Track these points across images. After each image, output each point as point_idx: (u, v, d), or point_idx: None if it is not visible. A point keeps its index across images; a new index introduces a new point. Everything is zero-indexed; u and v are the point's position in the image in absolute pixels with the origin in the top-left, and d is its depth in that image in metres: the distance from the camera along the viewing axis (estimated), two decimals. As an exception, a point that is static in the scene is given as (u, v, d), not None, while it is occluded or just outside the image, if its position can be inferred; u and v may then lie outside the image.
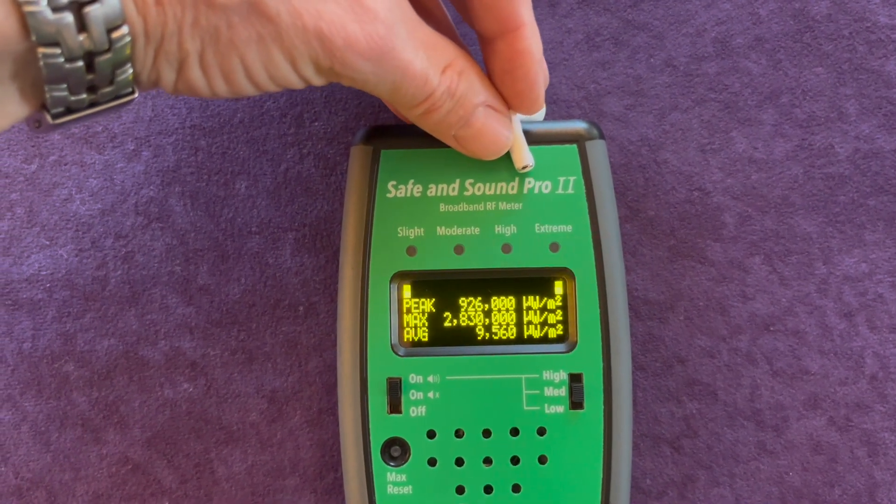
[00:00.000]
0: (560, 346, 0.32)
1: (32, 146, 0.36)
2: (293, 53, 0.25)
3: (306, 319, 0.35)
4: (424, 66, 0.27)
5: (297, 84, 0.26)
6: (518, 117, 0.31)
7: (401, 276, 0.32)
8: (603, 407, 0.31)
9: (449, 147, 0.32)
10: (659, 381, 0.35)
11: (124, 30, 0.23)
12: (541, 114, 0.32)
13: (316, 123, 0.36)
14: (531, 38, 0.29)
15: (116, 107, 0.25)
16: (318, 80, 0.27)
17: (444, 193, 0.32)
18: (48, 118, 0.24)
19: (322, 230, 0.35)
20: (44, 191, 0.35)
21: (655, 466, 0.34)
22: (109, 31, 0.23)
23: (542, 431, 0.31)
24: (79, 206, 0.35)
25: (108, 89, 0.24)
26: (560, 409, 0.31)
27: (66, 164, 0.36)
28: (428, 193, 0.32)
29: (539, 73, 0.29)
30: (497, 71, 0.29)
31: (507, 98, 0.30)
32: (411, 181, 0.32)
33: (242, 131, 0.36)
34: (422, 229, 0.32)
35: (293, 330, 0.35)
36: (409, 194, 0.32)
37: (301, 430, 0.35)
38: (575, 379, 0.31)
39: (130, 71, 0.24)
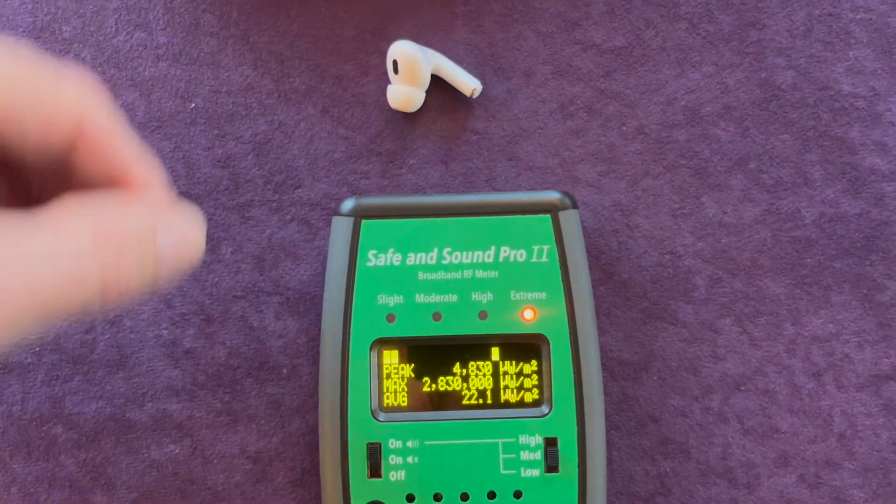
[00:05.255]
0: (535, 411, 0.33)
1: (23, 214, 0.37)
2: None
3: (290, 381, 0.36)
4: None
5: None
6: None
7: (380, 343, 0.33)
8: (577, 470, 0.32)
9: (429, 218, 0.33)
10: (633, 440, 0.36)
11: None
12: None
13: (299, 190, 0.37)
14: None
15: None
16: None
17: (423, 262, 0.33)
18: None
19: (305, 294, 0.36)
20: (34, 257, 0.36)
21: (630, 524, 0.35)
22: None
23: (518, 495, 0.32)
24: (68, 271, 0.36)
25: None
26: (536, 472, 0.32)
27: (55, 231, 0.36)
28: (407, 262, 0.33)
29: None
30: None
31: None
32: (391, 250, 0.33)
33: (227, 198, 0.37)
34: (401, 297, 0.33)
35: (277, 391, 0.36)
36: (388, 263, 0.33)
37: (285, 490, 0.35)
38: (550, 443, 0.32)
39: None
